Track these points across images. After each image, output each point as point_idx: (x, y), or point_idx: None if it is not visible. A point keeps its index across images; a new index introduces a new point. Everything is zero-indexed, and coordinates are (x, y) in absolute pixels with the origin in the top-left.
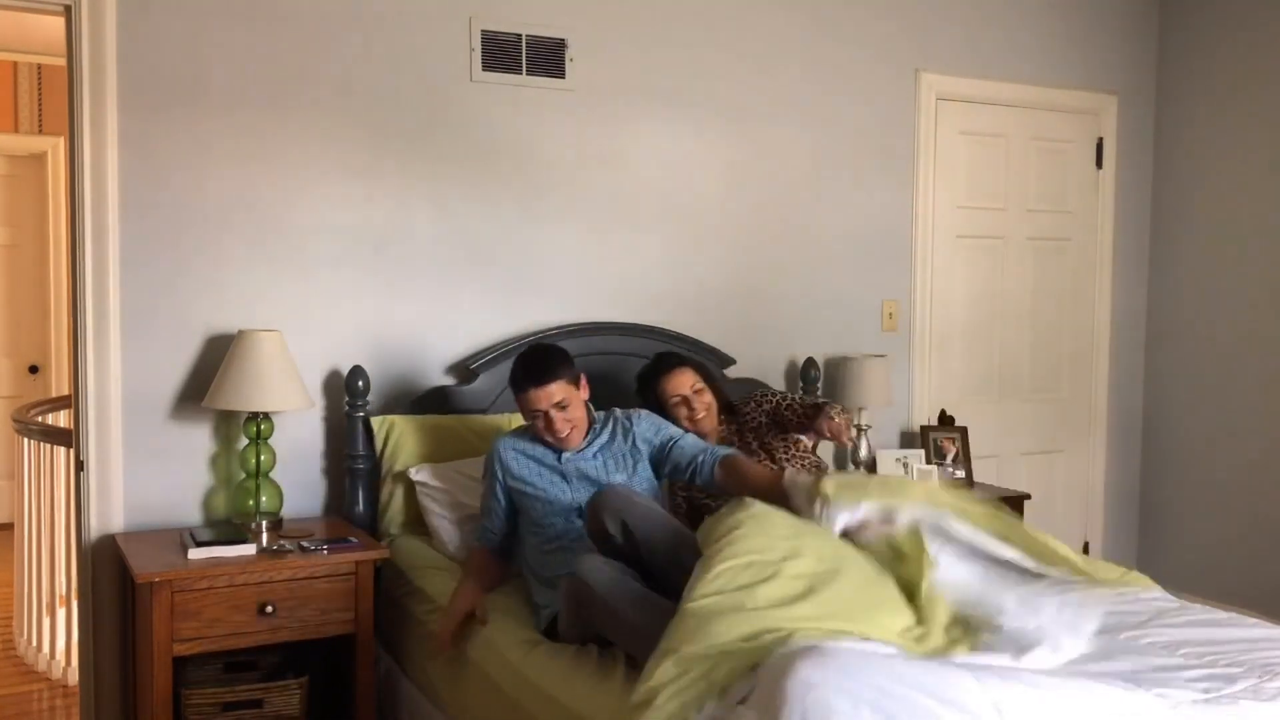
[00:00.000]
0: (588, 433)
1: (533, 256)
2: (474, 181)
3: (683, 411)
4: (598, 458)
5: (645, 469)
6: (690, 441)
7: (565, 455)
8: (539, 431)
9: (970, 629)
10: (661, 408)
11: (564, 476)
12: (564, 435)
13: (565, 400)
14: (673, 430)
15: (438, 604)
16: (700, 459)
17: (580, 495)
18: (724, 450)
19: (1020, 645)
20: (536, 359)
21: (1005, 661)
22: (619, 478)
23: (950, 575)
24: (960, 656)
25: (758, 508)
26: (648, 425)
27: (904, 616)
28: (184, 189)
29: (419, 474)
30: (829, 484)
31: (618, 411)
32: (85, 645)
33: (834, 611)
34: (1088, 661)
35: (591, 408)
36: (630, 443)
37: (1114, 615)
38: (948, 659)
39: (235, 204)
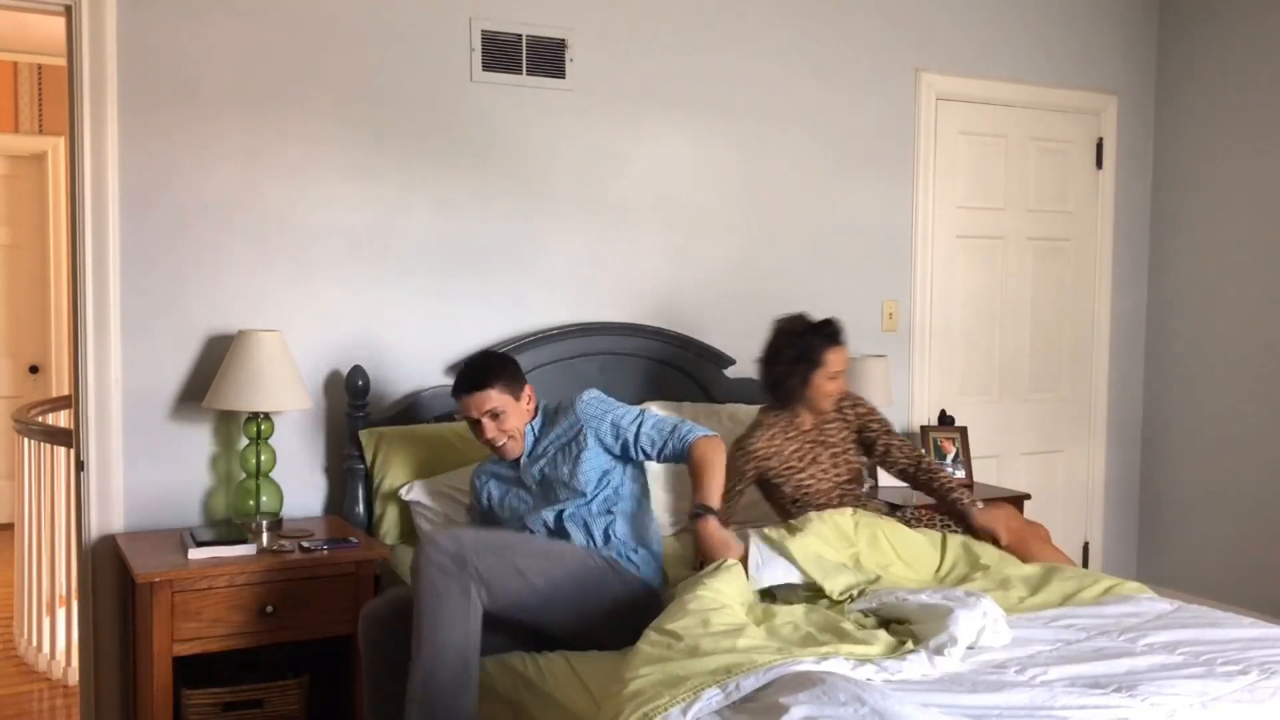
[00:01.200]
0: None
1: (533, 256)
2: (474, 182)
3: (834, 386)
4: (545, 453)
5: (593, 456)
6: (651, 427)
7: (521, 461)
8: (479, 440)
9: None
10: (812, 369)
11: (523, 485)
12: (499, 445)
13: (499, 409)
14: (622, 414)
15: None
16: (669, 445)
17: (539, 503)
18: (695, 434)
19: (936, 627)
20: (475, 364)
21: (923, 662)
22: (565, 470)
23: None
24: (888, 660)
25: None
26: (593, 409)
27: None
28: (184, 189)
29: (410, 493)
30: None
31: (556, 408)
32: (85, 645)
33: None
34: (1080, 663)
35: (544, 406)
36: (571, 426)
37: (1111, 618)
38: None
39: (236, 204)
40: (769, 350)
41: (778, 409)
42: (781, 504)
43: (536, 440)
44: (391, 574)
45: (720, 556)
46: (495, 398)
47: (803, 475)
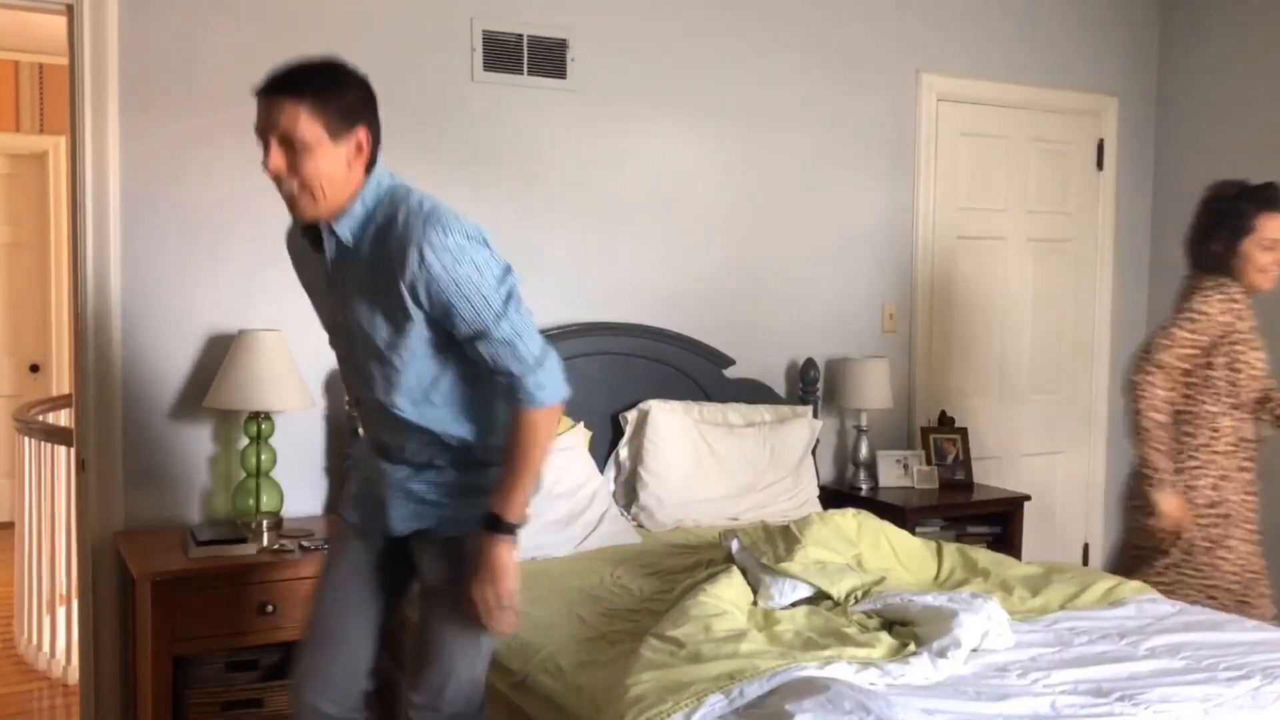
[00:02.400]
0: (343, 212)
1: (533, 256)
2: (474, 181)
3: (1269, 258)
4: (357, 267)
5: (418, 340)
6: (500, 346)
7: (326, 249)
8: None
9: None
10: (1241, 235)
11: (329, 280)
12: (284, 190)
13: (301, 138)
14: (483, 302)
15: None
16: (499, 380)
17: (349, 316)
18: (539, 394)
19: (939, 631)
20: (296, 64)
21: (926, 664)
22: (381, 332)
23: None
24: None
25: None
26: (428, 276)
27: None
28: (185, 188)
29: None
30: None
31: (406, 214)
32: (86, 644)
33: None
34: (1082, 667)
35: (392, 186)
36: (397, 279)
37: (1113, 621)
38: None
39: (236, 203)
40: (1196, 216)
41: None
42: (1205, 399)
43: (361, 231)
44: None
45: (505, 596)
46: (301, 119)
47: (1257, 354)
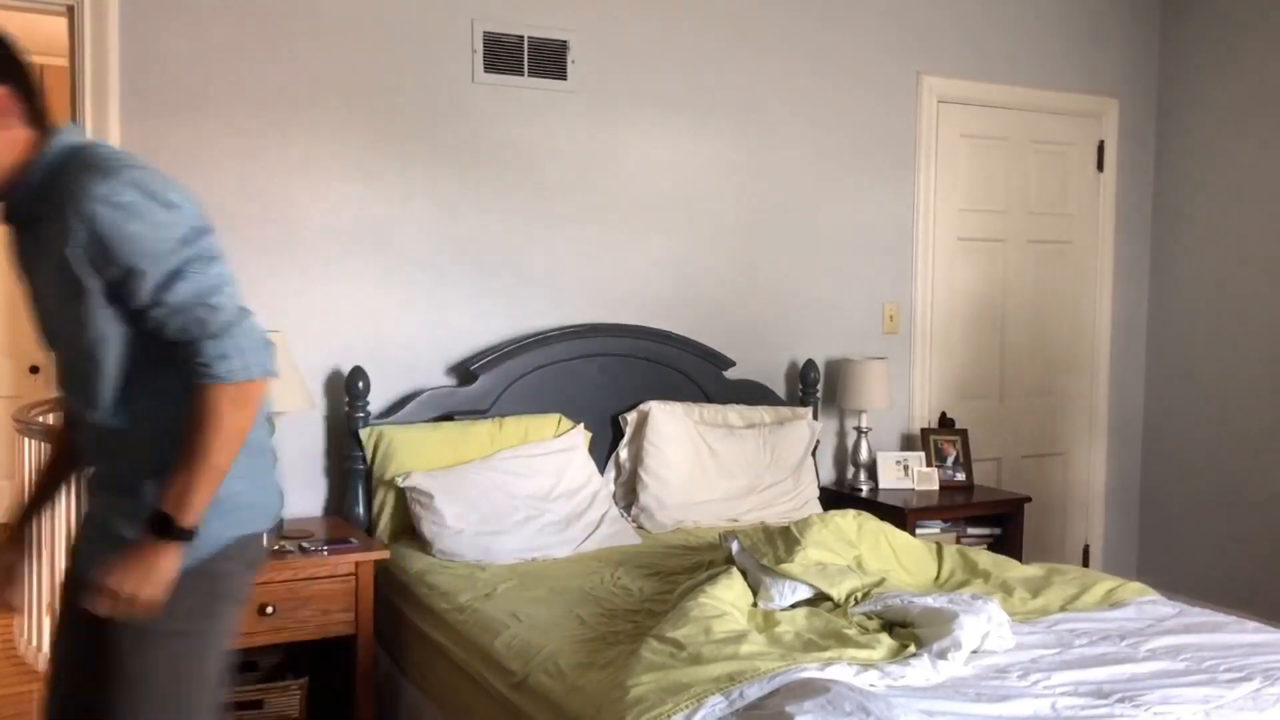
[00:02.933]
0: (16, 182)
1: (534, 258)
2: (475, 183)
3: None
4: (38, 235)
5: (98, 314)
6: (176, 313)
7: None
8: None
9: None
10: None
11: (22, 262)
12: None
13: None
14: (134, 266)
15: (435, 610)
16: (182, 352)
17: (42, 301)
18: (227, 365)
19: (938, 634)
20: None
21: (926, 666)
22: (63, 315)
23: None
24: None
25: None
26: (91, 234)
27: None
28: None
29: (406, 480)
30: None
31: (75, 170)
32: None
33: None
34: (1083, 669)
35: (80, 145)
36: (66, 243)
37: (1114, 623)
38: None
39: (237, 204)
40: None
41: None
42: None
43: (34, 196)
44: (390, 576)
45: (146, 603)
46: None
47: None
